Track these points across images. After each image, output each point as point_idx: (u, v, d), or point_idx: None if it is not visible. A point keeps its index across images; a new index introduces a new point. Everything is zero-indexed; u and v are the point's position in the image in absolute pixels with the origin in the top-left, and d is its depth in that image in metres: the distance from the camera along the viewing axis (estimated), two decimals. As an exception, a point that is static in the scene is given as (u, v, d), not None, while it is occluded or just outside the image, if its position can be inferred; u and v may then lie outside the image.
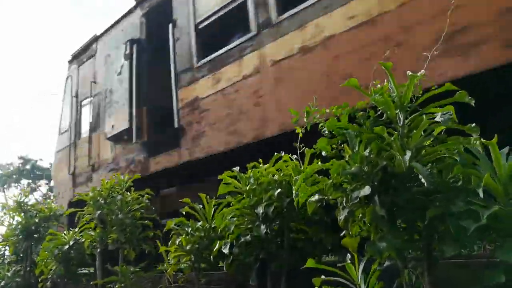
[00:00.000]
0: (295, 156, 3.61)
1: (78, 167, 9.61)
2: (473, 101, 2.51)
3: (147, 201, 5.63)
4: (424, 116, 2.54)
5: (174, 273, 4.28)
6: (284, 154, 3.75)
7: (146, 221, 5.53)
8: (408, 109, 2.76)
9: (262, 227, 3.38)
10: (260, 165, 3.95)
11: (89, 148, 9.25)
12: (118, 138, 8.24)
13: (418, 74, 2.61)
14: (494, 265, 2.24)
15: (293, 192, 2.87)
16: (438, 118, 2.43)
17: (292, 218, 3.54)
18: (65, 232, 6.37)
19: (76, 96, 10.27)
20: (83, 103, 10.13)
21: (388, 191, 2.60)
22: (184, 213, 4.19)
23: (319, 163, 3.02)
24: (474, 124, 2.58)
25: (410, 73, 2.62)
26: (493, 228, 2.27)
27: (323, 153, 3.04)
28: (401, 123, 2.70)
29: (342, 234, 2.66)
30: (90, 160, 9.13)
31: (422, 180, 2.19)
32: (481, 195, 2.23)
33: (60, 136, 10.87)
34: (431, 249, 2.55)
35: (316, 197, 2.83)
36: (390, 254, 2.38)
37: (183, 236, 3.92)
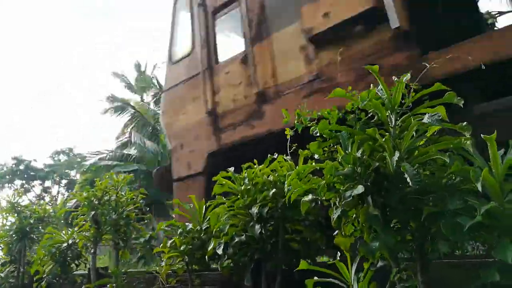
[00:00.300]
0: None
1: (223, 101, 6.33)
2: (462, 102, 2.54)
3: (141, 201, 5.63)
4: (412, 118, 2.56)
5: (168, 272, 4.27)
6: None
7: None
8: (399, 110, 2.80)
9: (257, 227, 3.39)
10: (255, 166, 3.97)
11: (252, 68, 5.97)
12: (336, 34, 4.99)
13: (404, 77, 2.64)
14: (487, 265, 2.27)
15: (285, 187, 2.89)
16: (426, 119, 2.46)
17: (287, 219, 3.56)
18: (63, 231, 6.30)
19: (203, 5, 7.13)
20: (215, 13, 7.02)
21: (381, 191, 2.62)
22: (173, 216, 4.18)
23: (314, 163, 3.06)
24: (465, 123, 2.60)
25: (396, 78, 2.66)
26: (489, 226, 2.30)
27: (316, 156, 3.07)
28: (393, 124, 2.73)
29: (335, 234, 2.68)
30: (255, 86, 5.87)
31: (408, 180, 2.20)
32: (480, 188, 2.22)
33: (173, 67, 7.57)
34: (424, 249, 2.57)
35: (310, 197, 2.85)
36: (383, 254, 2.39)
37: (177, 237, 3.93)
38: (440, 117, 2.63)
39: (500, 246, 2.07)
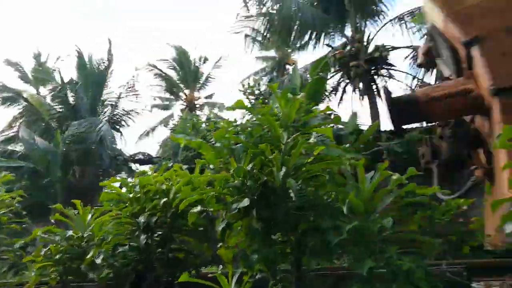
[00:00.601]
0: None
1: None
2: (347, 125, 2.77)
3: (17, 205, 5.02)
4: (301, 136, 2.71)
5: (38, 283, 3.85)
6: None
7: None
8: (292, 128, 2.95)
9: (142, 237, 3.26)
10: (149, 173, 3.83)
11: None
12: None
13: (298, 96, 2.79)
14: (356, 276, 2.48)
15: (171, 193, 2.85)
16: (312, 139, 2.62)
17: (175, 228, 3.49)
18: None
19: None
20: None
21: (268, 205, 2.71)
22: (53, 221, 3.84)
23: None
24: (348, 145, 2.85)
25: (292, 96, 2.81)
26: (355, 242, 2.54)
27: (211, 165, 3.07)
28: (284, 141, 2.86)
29: (219, 246, 2.69)
30: None
31: (291, 195, 2.32)
32: (345, 210, 2.48)
33: None
34: (300, 262, 2.71)
35: (199, 208, 2.83)
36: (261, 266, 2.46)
37: (54, 244, 3.58)
38: (325, 138, 2.84)
39: (359, 259, 2.30)
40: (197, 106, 21.98)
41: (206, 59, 22.28)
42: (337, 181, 2.75)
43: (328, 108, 3.33)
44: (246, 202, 2.47)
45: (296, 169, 2.80)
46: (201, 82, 22.35)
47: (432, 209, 2.68)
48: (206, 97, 22.62)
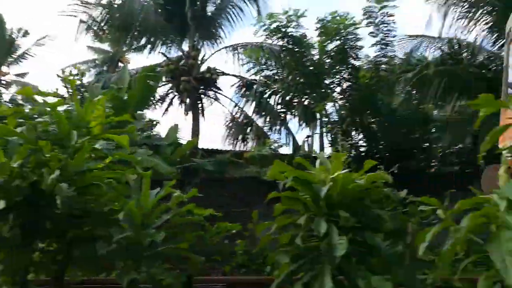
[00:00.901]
0: None
1: None
2: (138, 137, 2.78)
3: None
4: (87, 141, 2.58)
5: None
6: None
7: None
8: (85, 130, 2.79)
9: None
10: None
11: None
12: None
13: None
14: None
15: None
16: (98, 146, 2.53)
17: None
18: None
19: None
20: None
21: (35, 209, 2.45)
22: None
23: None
24: (136, 152, 2.84)
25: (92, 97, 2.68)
26: (123, 253, 2.53)
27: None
28: (72, 142, 2.67)
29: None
30: None
31: (58, 202, 2.16)
32: (121, 217, 2.46)
33: None
34: (63, 273, 2.53)
35: None
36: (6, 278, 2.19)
37: None
38: (115, 146, 2.77)
39: (125, 272, 2.29)
40: (3, 82, 18.70)
41: (26, 33, 19.27)
42: (120, 191, 2.69)
43: (127, 116, 3.26)
44: (1, 204, 2.17)
45: (80, 174, 2.63)
46: (14, 56, 19.17)
47: (205, 230, 2.87)
48: (17, 75, 19.45)
